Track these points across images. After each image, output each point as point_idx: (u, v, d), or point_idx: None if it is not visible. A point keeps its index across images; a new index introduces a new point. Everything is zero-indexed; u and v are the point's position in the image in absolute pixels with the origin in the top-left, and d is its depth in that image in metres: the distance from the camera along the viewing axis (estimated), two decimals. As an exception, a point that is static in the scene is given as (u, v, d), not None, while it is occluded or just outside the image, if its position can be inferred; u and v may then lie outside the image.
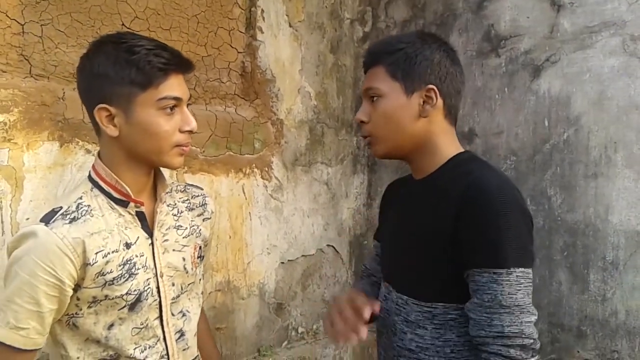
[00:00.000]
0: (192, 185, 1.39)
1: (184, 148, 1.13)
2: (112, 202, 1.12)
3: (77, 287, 1.06)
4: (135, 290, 1.10)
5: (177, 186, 1.32)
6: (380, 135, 1.21)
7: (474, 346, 1.09)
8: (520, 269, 1.04)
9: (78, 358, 1.09)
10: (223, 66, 2.47)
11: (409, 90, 1.18)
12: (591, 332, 2.17)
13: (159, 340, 1.16)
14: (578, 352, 2.21)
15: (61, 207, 1.09)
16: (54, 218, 1.06)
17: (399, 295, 1.23)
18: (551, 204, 2.28)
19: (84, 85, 1.12)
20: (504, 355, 1.02)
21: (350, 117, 3.01)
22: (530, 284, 1.06)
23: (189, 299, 1.24)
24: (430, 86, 1.18)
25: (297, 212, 2.76)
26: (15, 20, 1.84)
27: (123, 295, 1.09)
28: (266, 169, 2.61)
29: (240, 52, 2.54)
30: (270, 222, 2.64)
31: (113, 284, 1.08)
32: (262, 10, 2.55)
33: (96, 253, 1.06)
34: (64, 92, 1.88)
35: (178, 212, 1.25)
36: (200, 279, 1.28)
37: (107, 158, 1.14)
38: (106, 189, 1.12)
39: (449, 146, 1.22)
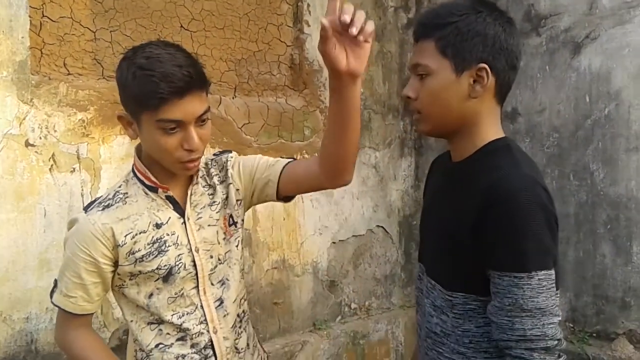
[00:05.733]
0: (220, 153, 1.40)
1: (188, 164, 1.19)
2: (145, 189, 1.26)
3: (116, 265, 1.23)
4: (165, 265, 1.23)
5: (211, 161, 1.37)
6: (428, 113, 1.16)
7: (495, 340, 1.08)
8: (543, 272, 1.01)
9: (131, 321, 1.28)
10: (273, 59, 2.64)
11: (459, 69, 1.11)
12: (635, 303, 2.21)
13: (196, 307, 1.28)
14: (622, 322, 2.25)
15: (101, 196, 1.27)
16: (92, 206, 1.25)
17: (428, 279, 1.23)
18: (594, 178, 2.32)
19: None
20: (527, 359, 1.01)
21: (397, 103, 3.12)
22: (553, 285, 1.03)
23: (229, 266, 1.34)
24: (482, 65, 1.10)
25: (347, 194, 2.90)
26: (88, 28, 2.07)
27: (154, 270, 1.23)
28: (316, 154, 2.75)
29: (289, 46, 2.70)
30: (322, 205, 2.79)
31: (143, 260, 1.22)
32: (308, 5, 2.70)
33: (125, 235, 1.21)
34: (132, 91, 2.10)
35: (214, 191, 1.34)
36: (237, 245, 1.35)
37: (142, 151, 1.28)
38: (140, 178, 1.26)
39: (489, 129, 1.16)
